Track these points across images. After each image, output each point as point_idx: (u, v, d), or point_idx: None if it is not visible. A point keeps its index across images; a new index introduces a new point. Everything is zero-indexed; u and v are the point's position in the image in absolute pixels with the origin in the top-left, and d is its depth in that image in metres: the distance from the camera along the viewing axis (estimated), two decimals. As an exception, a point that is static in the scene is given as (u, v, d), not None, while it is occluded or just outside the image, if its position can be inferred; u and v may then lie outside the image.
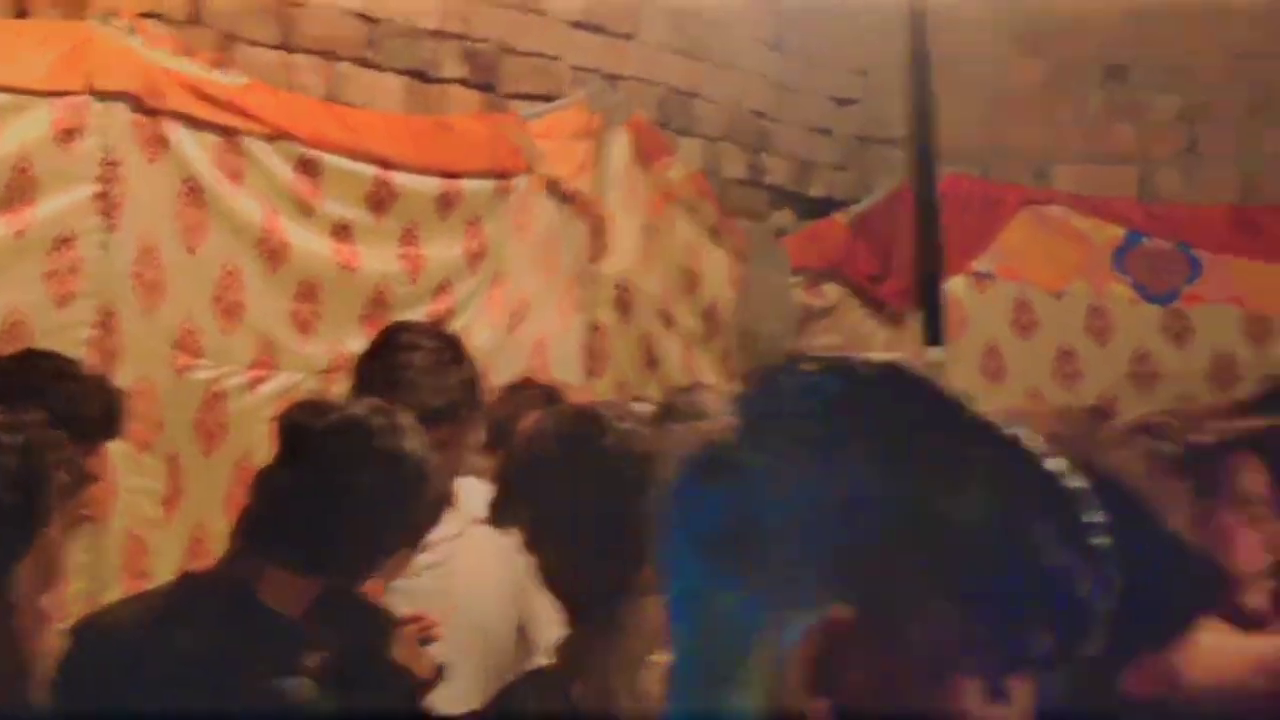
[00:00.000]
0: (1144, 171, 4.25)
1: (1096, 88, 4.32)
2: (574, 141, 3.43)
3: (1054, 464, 0.62)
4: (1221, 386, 3.56)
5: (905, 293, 3.72)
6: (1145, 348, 3.90)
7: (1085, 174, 4.23)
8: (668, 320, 3.67)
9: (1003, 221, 4.01)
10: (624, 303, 3.51)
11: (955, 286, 3.73)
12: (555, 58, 3.50)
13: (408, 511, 1.61)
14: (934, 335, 3.42)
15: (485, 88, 3.37)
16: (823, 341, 3.99)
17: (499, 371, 2.82)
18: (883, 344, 3.96)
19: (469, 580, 2.13)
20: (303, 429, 1.57)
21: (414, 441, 1.56)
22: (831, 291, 4.00)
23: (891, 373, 0.63)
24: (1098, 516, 0.61)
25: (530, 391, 2.48)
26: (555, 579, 1.44)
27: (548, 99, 3.44)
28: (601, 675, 1.35)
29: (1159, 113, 4.27)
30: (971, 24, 3.92)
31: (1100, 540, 0.61)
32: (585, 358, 3.45)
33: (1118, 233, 3.91)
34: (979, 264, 3.99)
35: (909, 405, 0.61)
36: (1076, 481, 0.62)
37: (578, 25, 3.58)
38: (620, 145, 3.52)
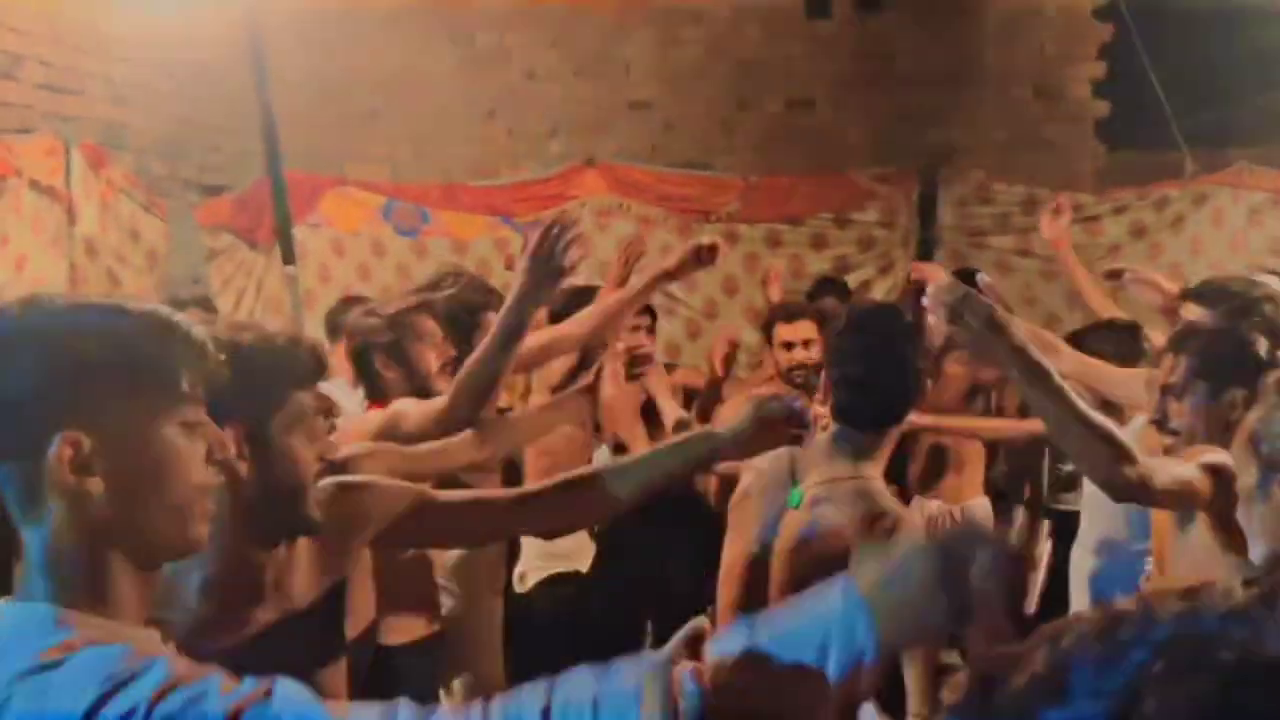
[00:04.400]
0: (393, 167, 5.67)
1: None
2: (47, 157, 4.32)
3: None
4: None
5: (269, 236, 4.76)
6: (406, 261, 5.10)
7: (365, 168, 5.56)
8: (121, 259, 4.63)
9: (321, 195, 5.18)
10: (91, 249, 4.47)
11: (298, 232, 4.62)
12: (29, 106, 4.36)
13: None
14: (289, 259, 4.39)
15: (-18, 129, 4.07)
16: (221, 267, 5.06)
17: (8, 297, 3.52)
18: (259, 265, 5.07)
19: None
20: None
21: None
22: (226, 238, 5.18)
23: None
24: None
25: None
26: None
27: (28, 132, 4.27)
28: None
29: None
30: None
31: None
32: (69, 286, 4.26)
33: (381, 199, 5.16)
34: (309, 219, 5.09)
35: None
36: None
37: (42, 86, 4.40)
38: (78, 157, 4.41)
